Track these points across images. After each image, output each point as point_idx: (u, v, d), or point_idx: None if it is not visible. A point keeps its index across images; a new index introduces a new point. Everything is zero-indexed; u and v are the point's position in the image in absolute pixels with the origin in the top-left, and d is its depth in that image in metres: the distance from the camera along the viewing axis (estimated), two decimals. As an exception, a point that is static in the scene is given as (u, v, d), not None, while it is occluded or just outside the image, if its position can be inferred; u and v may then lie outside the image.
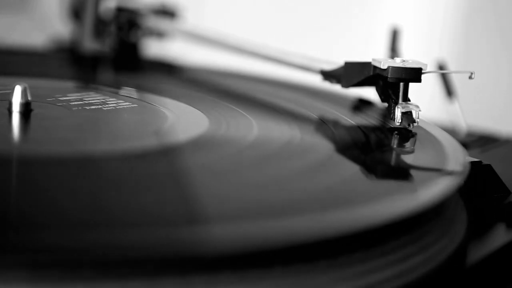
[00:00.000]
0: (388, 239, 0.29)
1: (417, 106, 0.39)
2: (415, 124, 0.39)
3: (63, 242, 0.24)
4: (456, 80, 0.49)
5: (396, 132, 0.39)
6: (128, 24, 0.59)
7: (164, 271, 0.24)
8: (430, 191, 0.31)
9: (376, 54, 0.42)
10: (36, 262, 0.23)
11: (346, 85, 0.43)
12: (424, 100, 0.43)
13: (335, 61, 0.44)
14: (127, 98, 0.44)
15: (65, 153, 0.33)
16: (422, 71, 0.39)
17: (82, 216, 0.26)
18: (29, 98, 0.38)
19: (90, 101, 0.42)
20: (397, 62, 0.39)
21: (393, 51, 0.48)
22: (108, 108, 0.41)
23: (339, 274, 0.27)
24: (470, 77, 0.38)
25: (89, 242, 0.24)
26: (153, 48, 0.62)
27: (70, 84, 0.49)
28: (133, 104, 0.42)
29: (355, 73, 0.42)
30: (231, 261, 0.25)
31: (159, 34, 0.59)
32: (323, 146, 0.38)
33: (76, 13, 0.61)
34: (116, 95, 0.45)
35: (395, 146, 0.38)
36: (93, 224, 0.26)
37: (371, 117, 0.42)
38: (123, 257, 0.24)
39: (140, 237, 0.25)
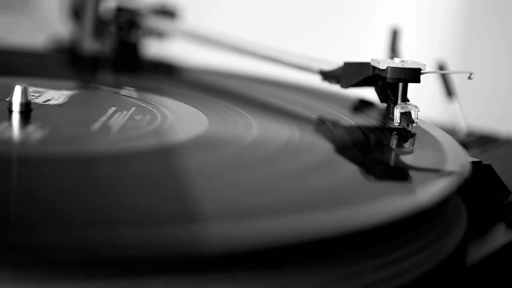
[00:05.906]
0: (388, 239, 0.29)
1: (416, 107, 0.39)
2: (414, 125, 0.39)
3: (61, 242, 0.24)
4: (456, 80, 0.49)
5: (395, 132, 0.39)
6: (128, 24, 0.59)
7: (164, 270, 0.24)
8: (430, 191, 0.31)
9: (376, 54, 0.42)
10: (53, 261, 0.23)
11: (345, 85, 0.43)
12: (424, 100, 0.43)
13: (335, 61, 0.44)
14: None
15: (65, 153, 0.33)
16: (421, 71, 0.39)
17: (79, 215, 0.26)
18: (29, 98, 0.38)
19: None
20: (396, 63, 0.39)
21: (393, 51, 0.48)
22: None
23: (338, 274, 0.27)
24: (469, 77, 0.38)
25: (82, 241, 0.24)
26: (153, 48, 0.62)
27: (70, 84, 0.49)
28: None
29: (354, 73, 0.42)
30: (230, 261, 0.25)
31: (159, 34, 0.59)
32: (322, 146, 0.38)
33: (76, 13, 0.61)
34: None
35: (394, 147, 0.38)
36: (88, 224, 0.26)
37: (370, 117, 0.42)
38: (119, 256, 0.24)
39: (137, 236, 0.25)
